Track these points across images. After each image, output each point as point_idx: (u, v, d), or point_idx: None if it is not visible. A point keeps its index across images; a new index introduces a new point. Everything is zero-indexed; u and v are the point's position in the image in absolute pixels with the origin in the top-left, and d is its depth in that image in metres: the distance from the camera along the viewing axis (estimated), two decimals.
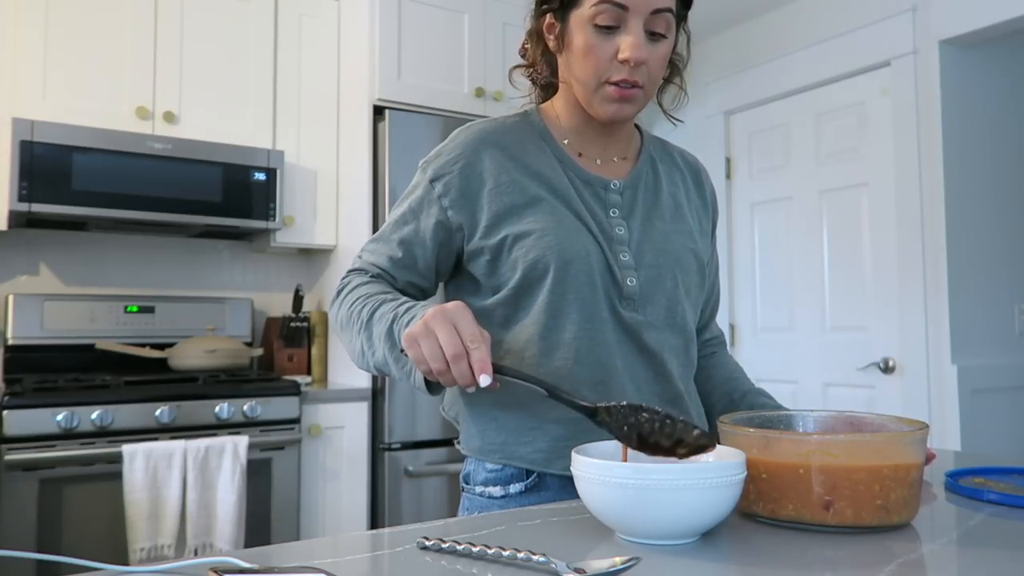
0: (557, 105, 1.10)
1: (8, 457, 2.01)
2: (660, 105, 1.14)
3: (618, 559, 0.60)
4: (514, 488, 1.00)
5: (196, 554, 2.13)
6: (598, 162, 1.09)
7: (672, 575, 0.61)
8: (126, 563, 2.08)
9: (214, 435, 2.28)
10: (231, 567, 0.60)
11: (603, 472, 0.68)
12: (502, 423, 1.01)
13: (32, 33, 2.42)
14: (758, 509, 0.77)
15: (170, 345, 2.76)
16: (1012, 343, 2.78)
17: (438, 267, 1.06)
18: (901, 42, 2.76)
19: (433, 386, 0.91)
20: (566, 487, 0.98)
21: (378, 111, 2.73)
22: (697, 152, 3.63)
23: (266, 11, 2.81)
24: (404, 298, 0.97)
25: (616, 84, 0.98)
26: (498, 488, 1.01)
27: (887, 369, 2.79)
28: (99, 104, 2.51)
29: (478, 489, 1.03)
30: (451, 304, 0.84)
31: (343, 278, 1.08)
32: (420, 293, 1.08)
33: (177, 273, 2.95)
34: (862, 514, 0.72)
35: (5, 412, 2.05)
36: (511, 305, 1.01)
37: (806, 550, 0.68)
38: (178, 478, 2.14)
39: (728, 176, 3.48)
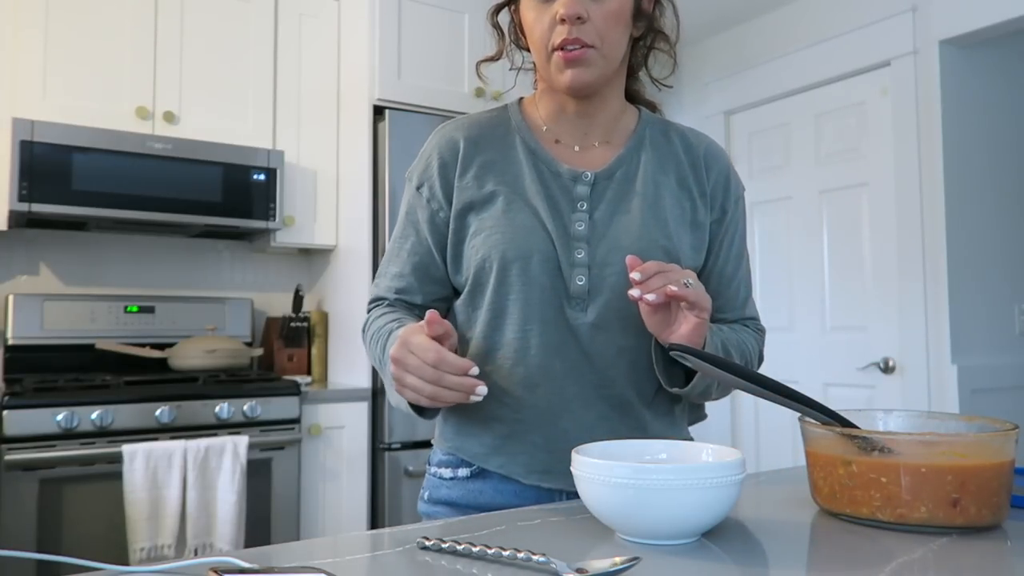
0: (537, 94, 1.10)
1: (8, 457, 2.01)
2: (649, 74, 1.11)
3: (618, 559, 0.60)
4: (461, 472, 1.04)
5: (196, 554, 2.13)
6: (576, 149, 1.05)
7: (672, 575, 0.61)
8: (126, 563, 2.08)
9: (214, 435, 2.28)
10: (231, 567, 0.60)
11: (603, 472, 0.68)
12: (458, 417, 1.05)
13: (32, 33, 2.41)
14: (842, 508, 0.77)
15: (170, 345, 2.76)
16: (1012, 343, 2.78)
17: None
18: (901, 42, 2.76)
19: (425, 411, 0.96)
20: (505, 480, 1.01)
21: (378, 111, 2.73)
22: None
23: (266, 11, 2.81)
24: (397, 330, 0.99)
25: (561, 49, 0.96)
26: (448, 470, 1.05)
27: (887, 369, 2.79)
28: (99, 104, 2.51)
29: (432, 469, 1.09)
30: (403, 330, 0.88)
31: (368, 309, 1.11)
32: (445, 303, 1.09)
33: (177, 273, 2.95)
34: (936, 513, 0.72)
35: (5, 412, 2.05)
36: (468, 304, 1.03)
37: (806, 550, 0.68)
38: (178, 478, 2.14)
39: None
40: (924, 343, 2.65)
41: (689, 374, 0.98)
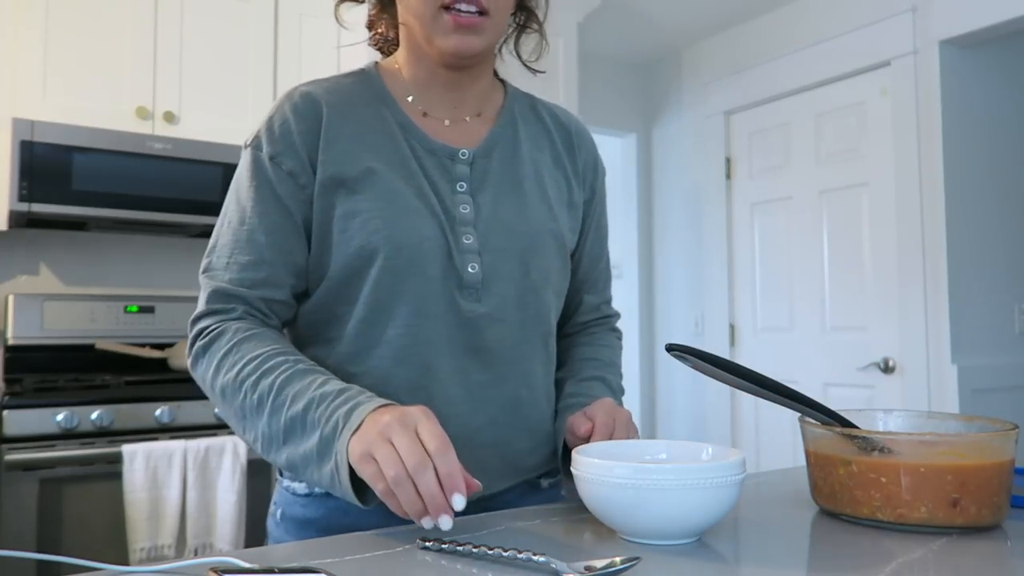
0: (400, 57, 0.96)
1: (8, 457, 2.01)
2: (518, 55, 1.02)
3: (618, 559, 0.60)
4: (318, 488, 0.88)
5: (196, 554, 2.13)
6: (447, 123, 0.94)
7: (672, 575, 0.61)
8: (126, 563, 2.08)
9: (214, 435, 2.28)
10: (231, 567, 0.60)
11: (603, 472, 0.68)
12: None
13: (32, 33, 2.41)
14: (842, 508, 0.77)
15: (170, 345, 2.76)
16: (1012, 343, 2.78)
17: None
18: (901, 42, 2.76)
19: (369, 496, 0.74)
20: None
21: None
22: (697, 152, 3.63)
23: (266, 11, 2.81)
24: (314, 374, 0.79)
25: (454, 9, 0.86)
26: (302, 485, 0.90)
27: (887, 369, 2.79)
28: (99, 104, 2.50)
29: (284, 482, 0.93)
30: (412, 407, 0.71)
31: (201, 322, 0.86)
32: (298, 302, 0.92)
33: (177, 273, 2.95)
34: (935, 513, 0.72)
35: (5, 412, 2.05)
36: (332, 301, 0.89)
37: (806, 550, 0.68)
38: (178, 478, 2.14)
39: (728, 176, 3.48)
40: (924, 343, 2.65)
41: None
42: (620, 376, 1.05)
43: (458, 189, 0.91)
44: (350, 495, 0.72)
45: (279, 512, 0.93)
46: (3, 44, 2.38)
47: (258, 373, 0.79)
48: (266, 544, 0.93)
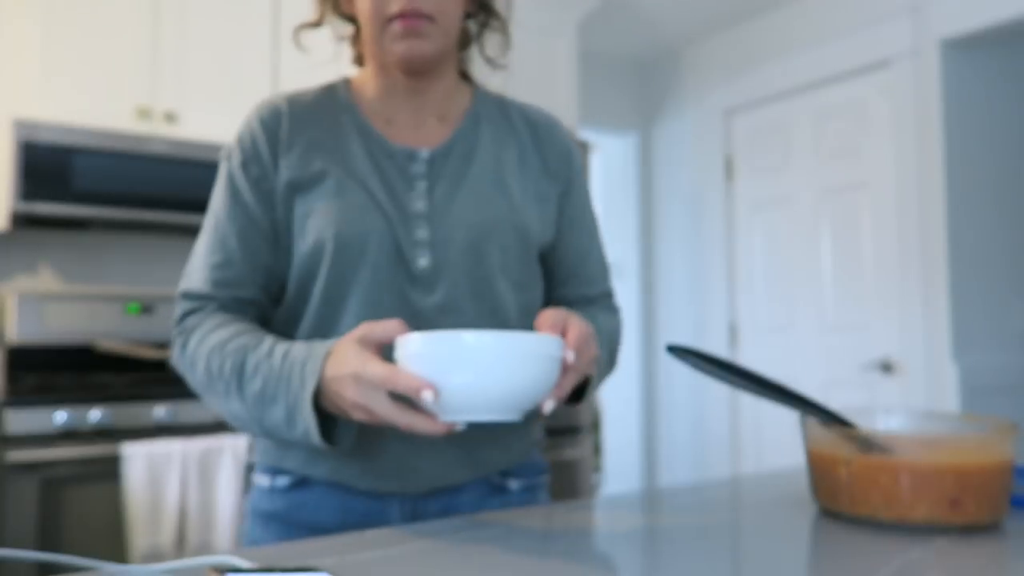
0: (366, 70, 1.02)
1: (8, 457, 2.01)
2: (482, 53, 1.05)
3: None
4: (280, 481, 0.94)
5: (196, 554, 2.13)
6: (410, 127, 0.98)
7: (672, 575, 0.61)
8: (126, 563, 2.08)
9: (213, 435, 2.28)
10: (231, 567, 0.60)
11: (407, 344, 0.71)
12: None
13: (32, 33, 2.42)
14: (842, 508, 0.77)
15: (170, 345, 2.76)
16: (1013, 342, 2.78)
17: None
18: (901, 42, 2.76)
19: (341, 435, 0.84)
20: (331, 491, 0.92)
21: None
22: (697, 152, 3.63)
23: (266, 11, 2.81)
24: (266, 346, 0.85)
25: (400, 18, 0.89)
26: (266, 478, 0.95)
27: (887, 369, 2.79)
28: (99, 104, 2.50)
29: (256, 475, 0.98)
30: (347, 355, 0.76)
31: (180, 323, 0.93)
32: (272, 302, 0.97)
33: (177, 273, 2.95)
34: (929, 512, 0.72)
35: (5, 412, 2.05)
36: (295, 297, 0.94)
37: (805, 550, 0.68)
38: (178, 478, 2.14)
39: (728, 176, 3.48)
40: (924, 342, 2.65)
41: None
42: (613, 343, 1.01)
43: (415, 187, 0.93)
44: (321, 442, 0.80)
45: (250, 508, 0.97)
46: (3, 44, 2.38)
47: (223, 352, 0.85)
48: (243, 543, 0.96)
